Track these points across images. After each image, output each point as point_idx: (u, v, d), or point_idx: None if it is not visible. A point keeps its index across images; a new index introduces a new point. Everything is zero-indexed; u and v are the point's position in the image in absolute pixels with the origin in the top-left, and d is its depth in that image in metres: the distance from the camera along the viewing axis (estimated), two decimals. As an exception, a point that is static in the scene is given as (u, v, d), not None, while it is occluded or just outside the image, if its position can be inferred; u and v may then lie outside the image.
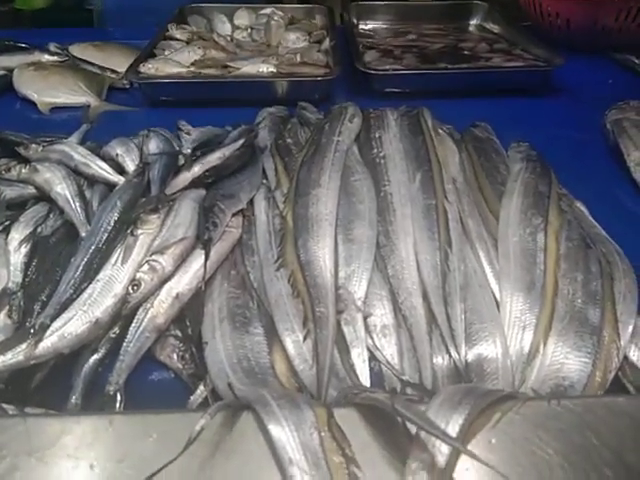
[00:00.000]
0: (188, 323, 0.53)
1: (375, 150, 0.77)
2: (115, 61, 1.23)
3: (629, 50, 1.28)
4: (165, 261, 0.54)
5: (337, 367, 0.49)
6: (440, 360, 0.50)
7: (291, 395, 0.38)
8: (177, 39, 1.26)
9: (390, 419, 0.37)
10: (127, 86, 1.16)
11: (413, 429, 0.35)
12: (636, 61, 1.28)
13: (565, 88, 1.17)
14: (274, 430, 0.35)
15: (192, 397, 0.47)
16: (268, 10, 1.40)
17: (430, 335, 0.52)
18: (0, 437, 0.37)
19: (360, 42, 1.31)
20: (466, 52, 1.28)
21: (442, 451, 0.34)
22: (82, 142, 0.84)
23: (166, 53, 1.17)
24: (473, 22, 1.52)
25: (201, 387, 0.47)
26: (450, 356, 0.50)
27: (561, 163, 0.79)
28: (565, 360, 0.49)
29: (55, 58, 1.25)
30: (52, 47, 1.30)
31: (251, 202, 0.70)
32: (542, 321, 0.52)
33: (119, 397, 0.47)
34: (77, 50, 1.29)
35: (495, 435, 0.36)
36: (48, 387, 0.50)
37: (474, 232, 0.63)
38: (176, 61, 1.12)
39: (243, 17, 1.39)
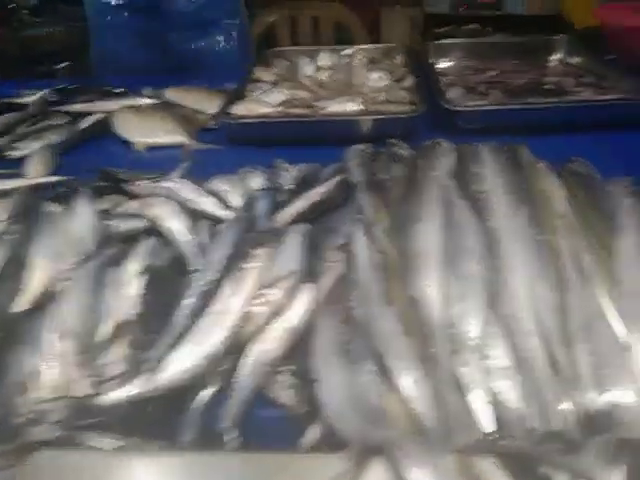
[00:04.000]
0: (298, 358, 0.52)
1: (474, 186, 0.75)
2: (205, 104, 1.29)
3: None
4: (276, 294, 0.54)
5: (456, 411, 0.46)
6: (567, 406, 0.47)
7: (418, 440, 0.36)
8: (264, 81, 1.30)
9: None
10: (215, 127, 1.21)
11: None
12: None
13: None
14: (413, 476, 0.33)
15: (303, 439, 0.45)
16: (350, 50, 1.43)
17: (554, 378, 0.49)
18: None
19: (441, 80, 1.30)
20: (552, 86, 1.25)
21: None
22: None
23: (254, 94, 1.21)
24: (554, 57, 1.49)
25: (315, 427, 0.46)
26: (578, 403, 0.47)
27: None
28: None
29: (151, 101, 1.32)
30: (146, 91, 1.38)
31: (349, 237, 0.69)
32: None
33: (233, 433, 0.47)
34: (171, 93, 1.36)
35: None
36: (158, 422, 0.50)
37: (590, 269, 0.60)
38: (265, 101, 1.15)
39: (326, 58, 1.43)
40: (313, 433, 0.46)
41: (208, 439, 0.47)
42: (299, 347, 0.53)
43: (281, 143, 1.05)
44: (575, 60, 1.44)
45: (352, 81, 1.32)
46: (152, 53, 1.68)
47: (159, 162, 1.07)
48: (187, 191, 0.73)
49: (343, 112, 1.11)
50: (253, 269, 0.57)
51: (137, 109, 1.26)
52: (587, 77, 1.29)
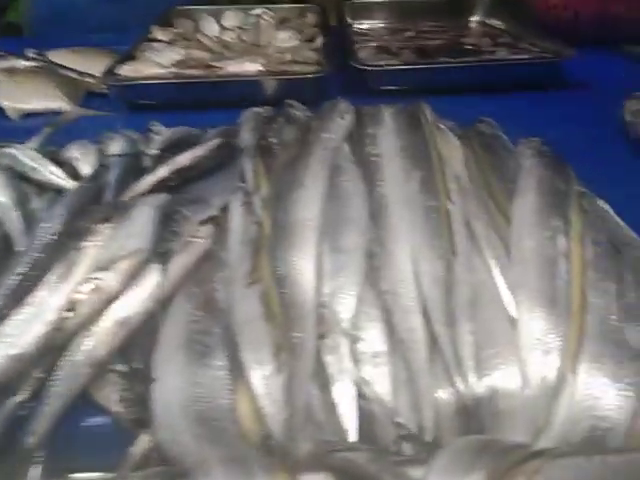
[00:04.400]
0: (136, 355, 0.43)
1: (368, 148, 0.68)
2: (95, 66, 1.16)
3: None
4: (110, 279, 0.45)
5: (316, 408, 0.39)
6: (444, 395, 0.41)
7: (243, 458, 0.29)
8: (160, 41, 1.18)
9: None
10: (106, 91, 1.09)
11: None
12: (646, 53, 1.19)
13: (576, 82, 1.09)
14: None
15: (131, 450, 0.37)
16: (258, 10, 1.32)
17: (431, 363, 0.42)
18: None
19: (355, 40, 1.23)
20: (467, 47, 1.20)
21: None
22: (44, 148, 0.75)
23: (147, 55, 1.10)
24: (474, 18, 1.45)
25: (144, 437, 0.38)
26: (456, 390, 0.40)
27: (577, 161, 0.70)
28: (601, 394, 0.39)
29: (31, 64, 1.17)
30: (30, 53, 1.23)
31: (225, 209, 0.60)
32: (570, 343, 0.42)
33: (40, 450, 0.38)
34: (56, 56, 1.22)
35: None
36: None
37: (482, 236, 0.54)
38: (156, 62, 1.04)
39: (231, 18, 1.31)
40: (142, 444, 0.38)
41: (10, 456, 0.38)
42: (138, 342, 0.45)
43: (176, 108, 0.95)
44: (495, 22, 1.40)
45: (259, 42, 1.22)
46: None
47: (33, 130, 0.95)
48: (29, 159, 0.62)
49: (242, 73, 1.01)
50: (89, 249, 0.48)
51: (14, 72, 1.12)
52: (504, 38, 1.25)
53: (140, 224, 0.50)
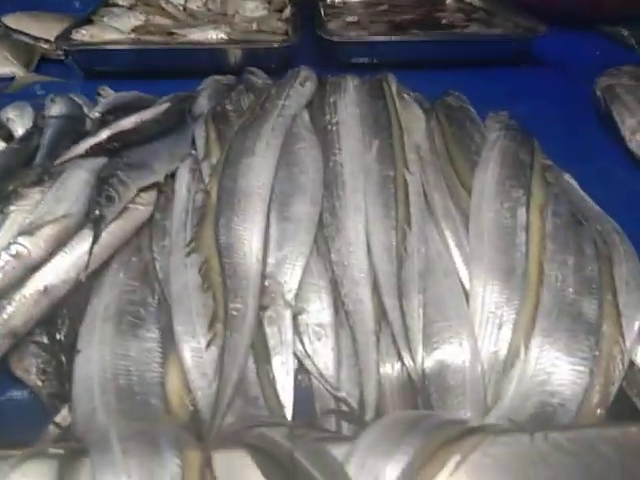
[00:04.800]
0: (61, 326, 0.40)
1: (328, 116, 0.64)
2: (52, 31, 1.10)
3: (617, 21, 1.18)
4: (33, 245, 0.41)
5: (252, 382, 0.36)
6: (389, 369, 0.38)
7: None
8: (120, 6, 1.12)
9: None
10: (62, 57, 1.03)
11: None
12: (625, 33, 1.18)
13: (548, 60, 1.07)
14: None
15: (50, 427, 0.34)
16: (226, -22, 1.27)
17: (378, 336, 0.40)
18: None
19: (327, 13, 1.19)
20: (439, 22, 1.16)
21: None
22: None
23: (105, 20, 1.04)
24: (450, -6, 1.41)
25: (64, 412, 0.35)
26: (403, 364, 0.38)
27: (546, 136, 0.67)
28: (553, 369, 0.37)
29: (-18, 28, 1.11)
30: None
31: (173, 176, 0.57)
32: (523, 317, 0.40)
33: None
34: (11, 20, 1.15)
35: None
36: None
37: (440, 208, 0.51)
38: (114, 27, 0.99)
39: (198, -15, 1.26)
40: (61, 419, 0.35)
41: None
42: (65, 312, 0.41)
43: (136, 76, 0.90)
44: (469, -2, 1.37)
45: (226, 11, 1.17)
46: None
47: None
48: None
49: (205, 41, 0.97)
50: (15, 213, 0.44)
51: (-36, 36, 1.06)
52: (478, 14, 1.22)
53: (72, 188, 0.46)
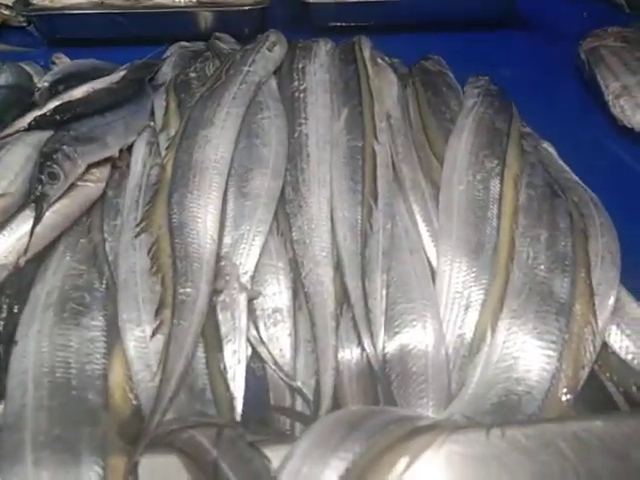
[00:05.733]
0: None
1: (295, 83, 0.61)
2: (13, -4, 1.04)
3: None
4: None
5: (198, 374, 0.34)
6: (349, 355, 0.36)
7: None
8: (83, -32, 1.06)
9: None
10: (24, 24, 0.98)
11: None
12: (614, -9, 1.13)
13: (531, 21, 1.02)
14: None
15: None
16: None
17: (338, 320, 0.37)
18: None
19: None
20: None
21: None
22: None
23: (67, -17, 0.98)
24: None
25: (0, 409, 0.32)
26: (363, 349, 0.36)
27: (527, 102, 0.64)
28: (521, 353, 0.35)
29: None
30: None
31: (129, 150, 0.54)
32: (491, 298, 0.38)
33: None
34: (-32, -16, 1.09)
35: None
36: None
37: (409, 180, 0.48)
38: (76, -10, 0.93)
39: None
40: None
41: None
42: (5, 299, 0.39)
43: (100, 44, 0.85)
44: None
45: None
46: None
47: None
48: None
49: (173, 4, 0.92)
50: (-52, 192, 0.41)
51: None
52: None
53: (11, 165, 0.43)
